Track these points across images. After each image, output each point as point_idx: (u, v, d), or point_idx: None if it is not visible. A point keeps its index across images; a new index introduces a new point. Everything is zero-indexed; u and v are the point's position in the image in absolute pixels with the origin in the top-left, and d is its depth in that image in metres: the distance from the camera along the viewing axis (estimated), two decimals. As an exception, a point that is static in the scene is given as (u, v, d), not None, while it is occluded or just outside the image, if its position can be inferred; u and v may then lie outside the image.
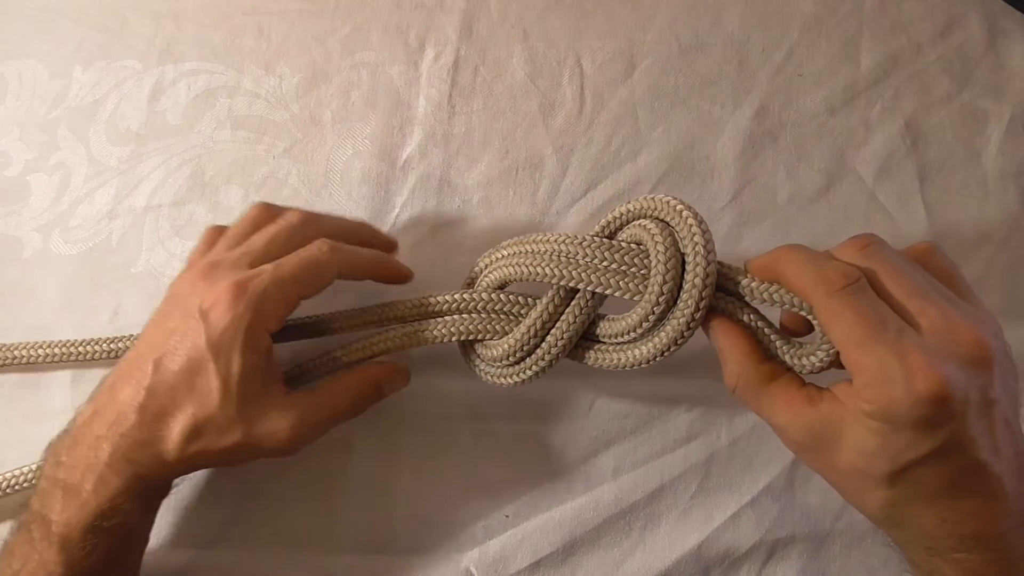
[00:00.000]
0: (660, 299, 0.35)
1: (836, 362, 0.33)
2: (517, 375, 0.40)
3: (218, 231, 0.42)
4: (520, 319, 0.39)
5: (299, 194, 0.49)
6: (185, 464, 0.36)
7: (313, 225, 0.40)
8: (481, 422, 0.44)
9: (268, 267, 0.37)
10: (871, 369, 0.29)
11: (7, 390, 0.46)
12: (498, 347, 0.39)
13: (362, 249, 0.41)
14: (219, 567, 0.42)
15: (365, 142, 0.50)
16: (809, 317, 0.34)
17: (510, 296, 0.40)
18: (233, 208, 0.49)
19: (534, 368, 0.39)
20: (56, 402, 0.45)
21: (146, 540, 0.38)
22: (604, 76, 0.51)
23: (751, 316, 0.36)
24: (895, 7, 0.52)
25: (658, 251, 0.35)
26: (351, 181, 0.49)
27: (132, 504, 0.35)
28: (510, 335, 0.39)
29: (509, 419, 0.44)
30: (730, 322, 0.36)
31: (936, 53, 0.51)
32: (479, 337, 0.40)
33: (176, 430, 0.34)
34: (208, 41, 0.53)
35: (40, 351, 0.44)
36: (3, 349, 0.45)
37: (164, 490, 0.38)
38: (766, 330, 0.36)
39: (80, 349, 0.44)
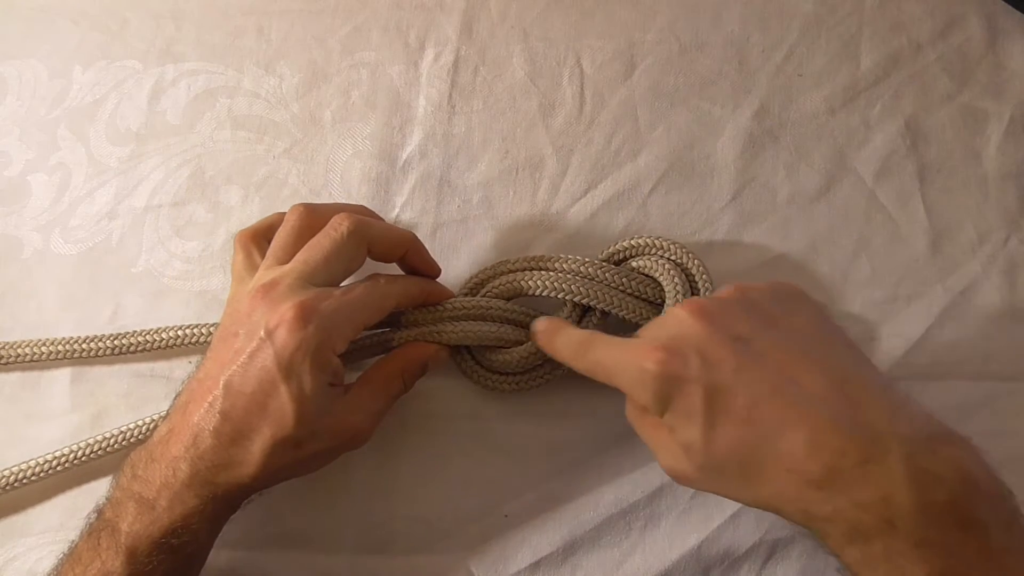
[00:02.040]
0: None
1: None
2: (524, 383, 0.43)
3: (251, 238, 0.41)
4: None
5: (299, 194, 0.49)
6: (262, 481, 0.36)
7: (365, 238, 0.39)
8: (481, 422, 0.44)
9: (337, 292, 0.37)
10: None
11: (7, 390, 0.46)
12: (513, 354, 0.42)
13: (414, 282, 0.41)
14: (219, 567, 0.42)
15: (365, 142, 0.50)
16: None
17: (523, 308, 0.43)
18: (233, 208, 0.49)
19: (546, 378, 0.43)
20: (56, 402, 0.45)
21: (206, 556, 0.38)
22: (604, 76, 0.51)
23: None
24: (895, 7, 0.52)
25: (675, 284, 0.42)
26: (351, 181, 0.49)
27: (203, 524, 0.35)
28: (528, 344, 0.41)
29: (508, 419, 0.44)
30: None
31: (936, 53, 0.51)
32: (493, 344, 0.42)
33: (254, 452, 0.34)
34: (208, 41, 0.53)
35: (42, 348, 0.44)
36: (5, 347, 0.45)
37: (236, 508, 0.38)
38: None
39: (82, 346, 0.44)
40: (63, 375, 0.46)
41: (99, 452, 0.42)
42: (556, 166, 0.49)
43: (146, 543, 0.34)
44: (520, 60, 0.51)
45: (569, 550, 0.42)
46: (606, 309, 0.42)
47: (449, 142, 0.50)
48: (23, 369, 0.46)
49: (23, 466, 0.42)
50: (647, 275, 0.43)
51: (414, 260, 0.42)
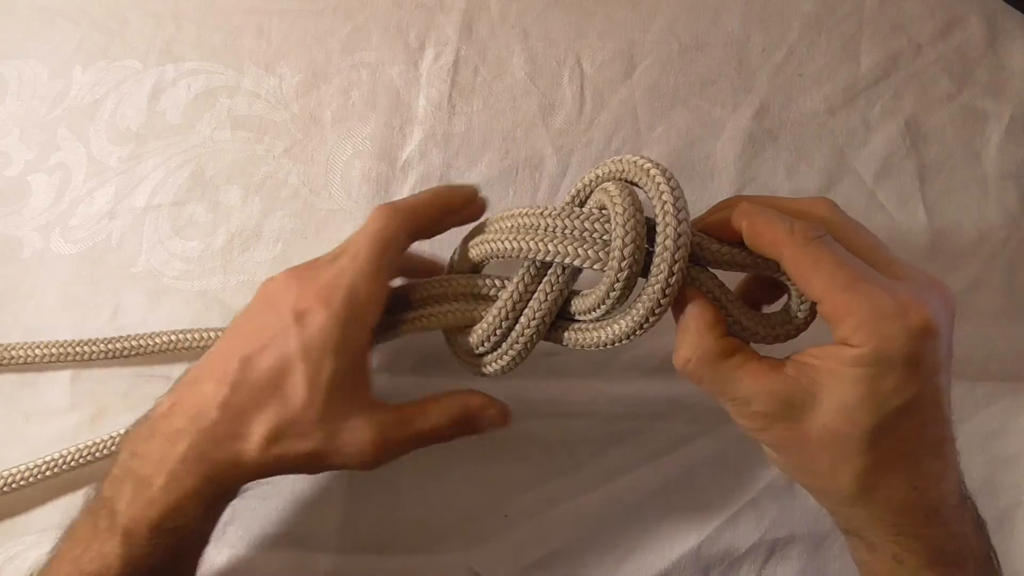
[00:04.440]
0: (623, 264, 0.32)
1: (808, 321, 0.33)
2: (496, 362, 0.37)
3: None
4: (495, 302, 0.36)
5: (299, 194, 0.49)
6: (261, 467, 0.34)
7: (401, 222, 0.37)
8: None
9: (345, 260, 0.35)
10: (862, 309, 0.28)
11: (7, 389, 0.46)
12: (473, 334, 0.37)
13: (418, 194, 0.38)
14: (219, 567, 0.42)
15: (365, 142, 0.50)
16: (777, 277, 0.33)
17: (485, 279, 0.37)
18: (233, 208, 0.49)
19: (510, 353, 0.36)
20: (56, 402, 0.45)
21: (206, 543, 0.37)
22: (604, 76, 0.51)
23: (713, 284, 0.34)
24: (895, 7, 0.52)
25: (617, 212, 0.32)
26: (351, 181, 0.49)
27: (199, 508, 0.34)
28: (483, 320, 0.36)
29: (509, 418, 0.44)
30: (697, 292, 0.33)
31: (936, 53, 0.51)
32: (458, 324, 0.38)
33: (257, 430, 0.33)
34: (208, 41, 0.53)
35: (38, 351, 0.44)
36: (2, 349, 0.45)
37: (232, 495, 0.36)
38: (731, 300, 0.34)
39: (78, 349, 0.44)
40: (63, 374, 0.46)
41: (98, 455, 0.42)
42: (556, 166, 0.49)
43: (143, 525, 0.33)
44: (520, 60, 0.51)
45: (569, 549, 0.42)
46: (554, 260, 0.34)
47: (449, 142, 0.50)
48: (24, 367, 0.46)
49: (21, 467, 0.42)
50: (600, 208, 0.34)
51: (451, 220, 0.39)
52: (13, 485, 0.42)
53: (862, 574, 0.34)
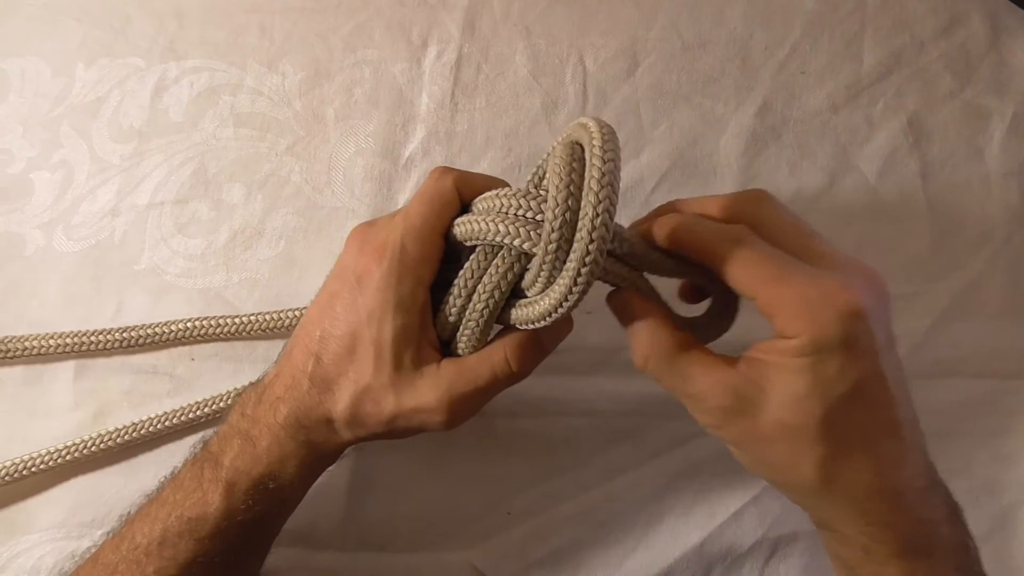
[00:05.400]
0: (552, 235, 0.30)
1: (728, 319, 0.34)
2: (462, 341, 0.35)
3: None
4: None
5: (302, 192, 0.49)
6: (351, 434, 0.35)
7: (456, 181, 0.36)
8: (482, 420, 0.44)
9: (399, 218, 0.35)
10: (792, 300, 0.29)
11: (11, 386, 0.46)
12: (439, 314, 0.35)
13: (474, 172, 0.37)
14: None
15: (368, 140, 0.50)
16: (704, 283, 0.34)
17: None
18: (236, 206, 0.49)
19: (467, 330, 0.35)
20: (59, 398, 0.45)
21: (295, 505, 0.38)
22: (607, 74, 0.51)
23: (648, 288, 0.34)
24: (898, 5, 0.52)
25: (552, 177, 0.30)
26: (354, 178, 0.49)
27: (298, 470, 0.36)
28: (445, 297, 0.35)
29: (510, 417, 0.44)
30: (638, 294, 0.34)
31: (939, 51, 0.51)
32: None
33: (341, 399, 0.34)
34: (211, 39, 0.53)
35: (48, 342, 0.45)
36: (11, 341, 0.45)
37: (332, 459, 0.38)
38: (662, 304, 0.34)
39: (87, 339, 0.45)
40: (66, 372, 0.46)
41: (102, 446, 0.43)
42: (559, 164, 0.49)
43: (245, 480, 0.35)
44: (523, 58, 0.51)
45: (572, 547, 0.42)
46: (494, 241, 0.33)
47: (452, 140, 0.50)
48: (27, 363, 0.46)
49: (25, 458, 0.42)
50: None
51: None
52: (17, 476, 0.42)
53: (835, 568, 0.34)
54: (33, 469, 0.42)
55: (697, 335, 0.34)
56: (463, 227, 0.34)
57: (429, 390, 0.34)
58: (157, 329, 0.45)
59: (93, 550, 0.36)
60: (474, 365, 0.35)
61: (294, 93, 0.51)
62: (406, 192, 0.49)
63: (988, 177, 0.48)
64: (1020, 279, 0.47)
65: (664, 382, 0.33)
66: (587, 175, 0.30)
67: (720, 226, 0.32)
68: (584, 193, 0.30)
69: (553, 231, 0.30)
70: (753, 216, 0.32)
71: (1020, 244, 0.47)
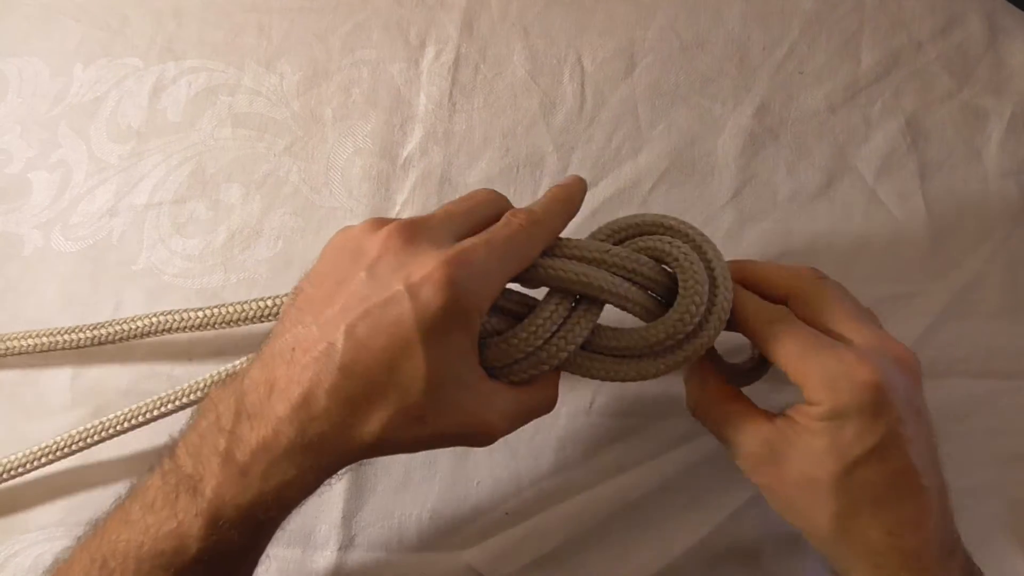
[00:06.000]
0: (693, 319, 0.35)
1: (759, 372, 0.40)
2: (512, 375, 0.35)
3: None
4: (517, 319, 0.35)
5: (300, 192, 0.49)
6: (370, 453, 0.31)
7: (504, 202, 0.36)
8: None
9: (479, 240, 0.32)
10: (817, 373, 0.33)
11: (7, 388, 0.46)
12: (499, 346, 0.34)
13: (560, 216, 0.36)
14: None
15: (366, 140, 0.50)
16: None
17: (512, 294, 0.36)
18: (234, 206, 0.49)
19: (530, 369, 0.35)
20: (56, 400, 0.45)
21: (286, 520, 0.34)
22: (605, 74, 0.51)
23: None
24: (896, 5, 0.52)
25: (695, 270, 0.36)
26: (352, 179, 0.49)
27: (297, 494, 0.31)
28: (514, 334, 0.34)
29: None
30: None
31: (937, 51, 0.51)
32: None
33: (374, 421, 0.30)
34: (209, 39, 0.53)
35: (45, 339, 0.44)
36: (9, 338, 0.45)
37: (333, 475, 0.32)
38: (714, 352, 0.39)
39: (83, 335, 0.44)
40: (64, 372, 0.46)
41: (96, 438, 0.42)
42: (557, 164, 0.49)
43: (232, 511, 0.30)
44: (521, 58, 0.51)
45: (572, 546, 0.42)
46: (606, 299, 0.35)
47: (450, 140, 0.50)
48: (24, 363, 0.46)
49: (20, 455, 0.42)
50: (656, 258, 0.36)
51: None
52: (12, 473, 0.42)
53: None
54: (28, 466, 0.42)
55: (738, 379, 0.39)
56: (562, 272, 0.35)
57: (482, 409, 0.32)
58: (155, 319, 0.43)
59: (62, 564, 0.33)
60: (534, 394, 0.35)
61: (292, 93, 0.51)
62: (404, 192, 0.49)
63: (986, 177, 0.48)
64: (1018, 278, 0.47)
65: (709, 427, 0.37)
66: (719, 263, 0.36)
67: (763, 306, 0.36)
68: (721, 278, 0.36)
69: (701, 307, 0.35)
70: (804, 293, 0.36)
71: (1018, 243, 0.47)
